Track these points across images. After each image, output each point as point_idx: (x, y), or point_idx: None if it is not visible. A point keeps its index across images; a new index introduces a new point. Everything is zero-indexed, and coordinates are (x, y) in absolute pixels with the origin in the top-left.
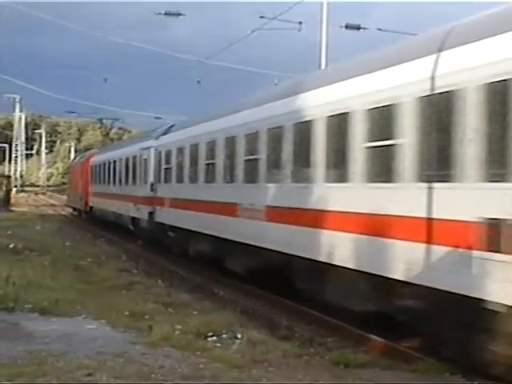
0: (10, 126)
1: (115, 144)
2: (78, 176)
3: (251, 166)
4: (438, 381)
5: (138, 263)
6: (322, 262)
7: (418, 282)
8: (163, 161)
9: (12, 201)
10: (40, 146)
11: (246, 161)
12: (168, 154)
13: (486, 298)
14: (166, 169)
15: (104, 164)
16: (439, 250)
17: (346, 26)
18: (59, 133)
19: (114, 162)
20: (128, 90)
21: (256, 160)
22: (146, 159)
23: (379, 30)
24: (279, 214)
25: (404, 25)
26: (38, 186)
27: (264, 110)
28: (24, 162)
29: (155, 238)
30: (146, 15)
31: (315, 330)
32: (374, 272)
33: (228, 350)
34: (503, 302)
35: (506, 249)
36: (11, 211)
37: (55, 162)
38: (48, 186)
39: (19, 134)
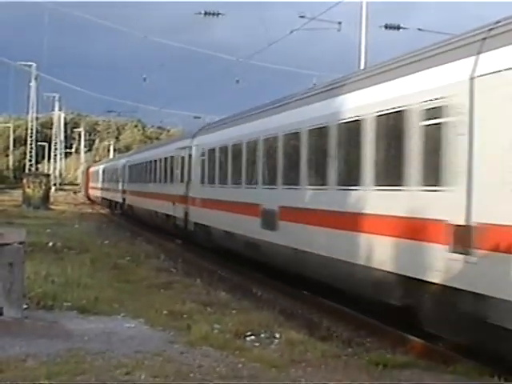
0: (49, 124)
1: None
2: (85, 178)
3: None
4: (477, 382)
5: (176, 262)
6: None
7: None
8: None
9: (51, 199)
10: (79, 144)
11: None
12: None
13: None
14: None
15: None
16: None
17: (386, 26)
18: (98, 131)
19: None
20: (167, 90)
21: None
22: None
23: (419, 30)
24: None
25: (445, 25)
26: (76, 185)
27: None
28: (63, 160)
29: None
30: (186, 16)
31: (354, 330)
32: None
33: (266, 350)
34: None
35: None
36: (50, 210)
37: (95, 161)
38: None
39: (58, 133)
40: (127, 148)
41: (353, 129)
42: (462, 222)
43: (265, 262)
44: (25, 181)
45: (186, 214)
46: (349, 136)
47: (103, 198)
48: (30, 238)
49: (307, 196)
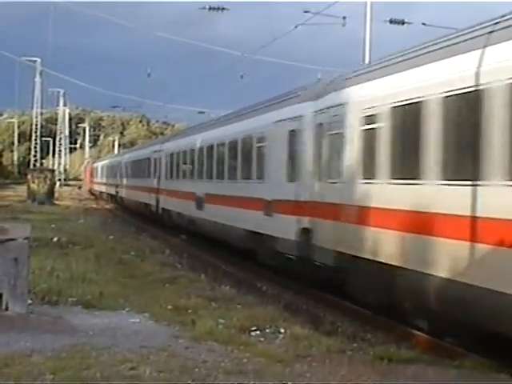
0: (54, 120)
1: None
2: (88, 173)
3: None
4: (482, 377)
5: (181, 257)
6: None
7: None
8: None
9: (56, 195)
10: (84, 140)
11: None
12: None
13: None
14: None
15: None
16: None
17: (391, 21)
18: (103, 127)
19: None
20: (172, 85)
21: None
22: None
23: (424, 24)
24: None
25: (449, 20)
26: (81, 180)
27: None
28: (68, 156)
29: None
30: (190, 11)
31: (359, 325)
32: None
33: (271, 345)
34: None
35: None
36: (55, 205)
37: (99, 157)
38: None
39: (63, 128)
40: (132, 143)
41: (225, 148)
42: (268, 199)
43: (199, 232)
44: (29, 176)
45: (157, 201)
46: (224, 152)
47: (101, 192)
48: (35, 234)
49: (216, 186)
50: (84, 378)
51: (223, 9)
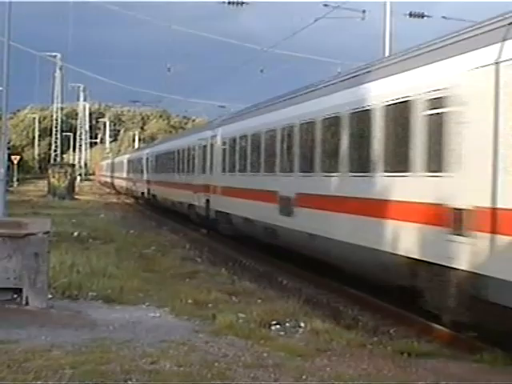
0: (74, 115)
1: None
2: (98, 169)
3: None
4: (503, 371)
5: (201, 252)
6: None
7: None
8: None
9: (76, 189)
10: (104, 134)
11: None
12: None
13: None
14: None
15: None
16: None
17: (410, 14)
18: (123, 122)
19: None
20: (192, 80)
21: None
22: None
23: (444, 17)
24: None
25: (470, 13)
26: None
27: None
28: (88, 150)
29: None
30: (210, 5)
31: (379, 319)
32: None
33: (291, 339)
34: None
35: None
36: (75, 200)
37: (119, 151)
38: None
39: (83, 123)
40: (152, 138)
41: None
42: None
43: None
44: (50, 171)
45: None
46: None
47: (105, 181)
48: (55, 228)
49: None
50: (104, 373)
51: (242, 3)
